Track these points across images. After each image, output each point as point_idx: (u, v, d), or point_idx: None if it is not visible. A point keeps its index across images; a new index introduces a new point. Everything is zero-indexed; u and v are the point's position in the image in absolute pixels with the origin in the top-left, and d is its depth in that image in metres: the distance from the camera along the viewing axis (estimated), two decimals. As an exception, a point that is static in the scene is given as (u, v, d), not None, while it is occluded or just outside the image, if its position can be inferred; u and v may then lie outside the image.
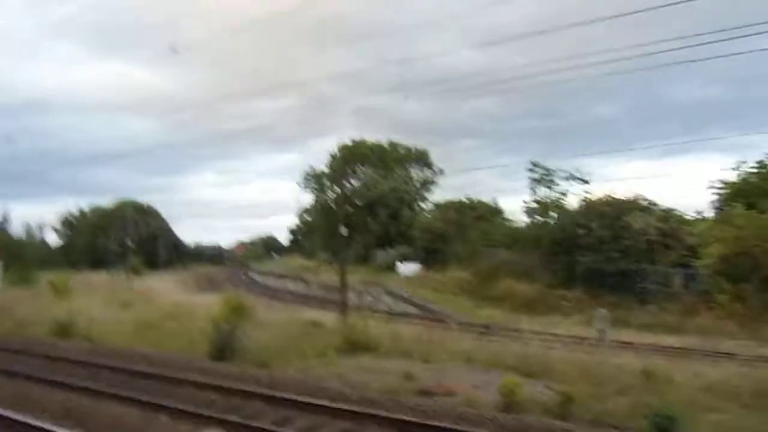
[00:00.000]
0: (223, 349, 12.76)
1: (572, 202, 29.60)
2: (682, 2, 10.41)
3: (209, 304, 16.39)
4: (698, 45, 10.54)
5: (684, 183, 72.48)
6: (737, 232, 22.21)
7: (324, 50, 64.27)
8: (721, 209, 27.37)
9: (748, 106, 70.03)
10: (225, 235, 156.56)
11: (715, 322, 17.88)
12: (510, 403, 9.26)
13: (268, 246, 78.55)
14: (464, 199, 39.77)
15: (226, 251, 79.16)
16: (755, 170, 27.69)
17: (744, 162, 27.85)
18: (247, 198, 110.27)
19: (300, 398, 9.53)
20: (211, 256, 71.03)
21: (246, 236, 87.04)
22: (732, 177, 28.16)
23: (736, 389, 9.73)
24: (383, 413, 8.86)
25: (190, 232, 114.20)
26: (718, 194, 28.87)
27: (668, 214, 27.19)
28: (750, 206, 23.75)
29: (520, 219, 33.56)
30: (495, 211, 38.21)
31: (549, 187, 30.76)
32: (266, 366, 12.00)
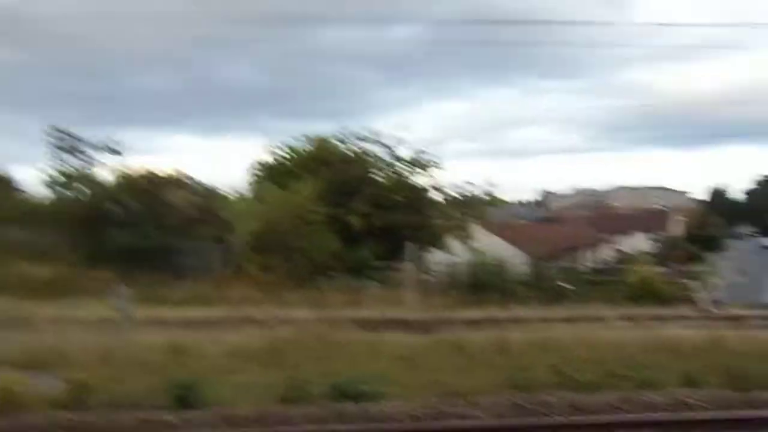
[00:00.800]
0: None
1: (107, 175, 28.23)
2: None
3: None
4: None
5: (228, 161, 78.77)
6: (268, 209, 25.30)
7: None
8: (256, 188, 30.82)
9: (286, 93, 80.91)
10: None
11: (245, 291, 19.90)
12: (7, 404, 8.16)
13: None
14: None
15: None
16: (286, 153, 32.08)
17: (277, 144, 31.95)
18: None
19: None
20: None
21: None
22: (267, 158, 32.08)
23: (256, 351, 10.95)
24: None
25: None
26: (255, 173, 32.46)
27: (209, 191, 28.92)
28: (280, 185, 27.38)
29: (40, 192, 30.08)
30: (6, 182, 33.38)
31: (78, 158, 28.54)
32: None
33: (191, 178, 28.35)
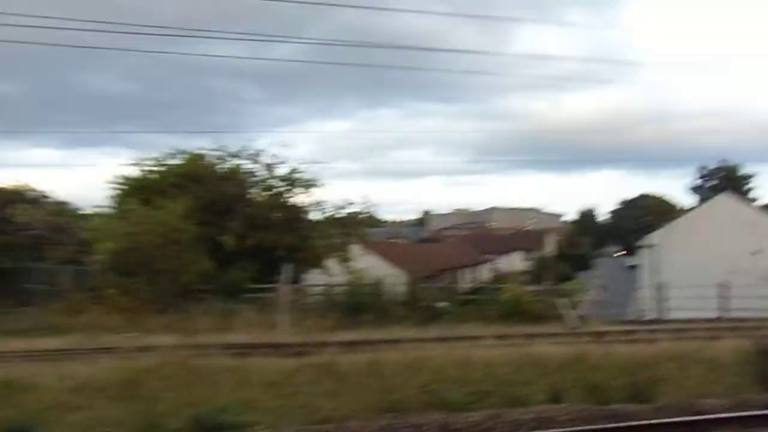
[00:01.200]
0: None
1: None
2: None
3: None
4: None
5: (91, 176, 74.09)
6: (131, 228, 23.87)
7: None
8: (119, 204, 29.02)
9: (157, 106, 77.65)
10: None
11: (102, 318, 18.62)
12: None
13: None
14: None
15: None
16: (153, 167, 30.51)
17: (145, 158, 30.31)
18: None
19: None
20: None
21: None
22: (133, 172, 30.30)
23: (107, 384, 10.20)
24: None
25: None
26: (117, 189, 30.57)
27: (61, 208, 26.95)
28: (146, 202, 25.97)
29: None
30: None
31: None
32: None
33: (42, 194, 26.33)
